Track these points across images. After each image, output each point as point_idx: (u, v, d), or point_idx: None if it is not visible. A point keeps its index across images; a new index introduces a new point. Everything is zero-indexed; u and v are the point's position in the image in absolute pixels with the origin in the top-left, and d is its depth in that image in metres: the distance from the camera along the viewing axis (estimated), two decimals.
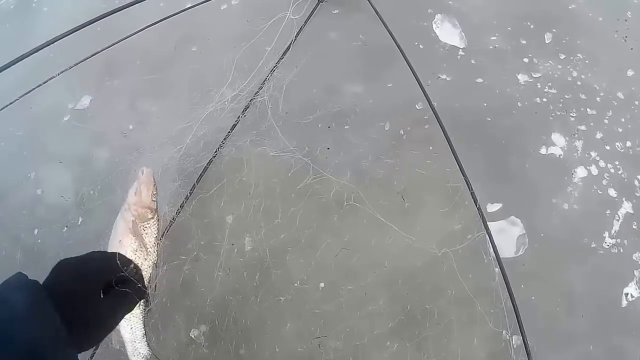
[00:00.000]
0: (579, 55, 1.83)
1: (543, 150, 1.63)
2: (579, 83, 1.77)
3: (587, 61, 1.82)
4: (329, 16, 1.94)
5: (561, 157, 1.63)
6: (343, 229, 1.49)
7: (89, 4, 2.17)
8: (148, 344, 1.04)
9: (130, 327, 0.99)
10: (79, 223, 1.63)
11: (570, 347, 1.38)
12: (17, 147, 1.87)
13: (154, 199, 1.04)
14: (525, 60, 1.82)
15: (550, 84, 1.76)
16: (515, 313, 1.19)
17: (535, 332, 1.25)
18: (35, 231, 1.64)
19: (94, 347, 1.16)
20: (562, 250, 1.49)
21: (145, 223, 1.01)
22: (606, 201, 1.56)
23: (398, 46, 1.57)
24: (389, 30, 1.62)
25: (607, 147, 1.65)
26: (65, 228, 1.63)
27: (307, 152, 1.55)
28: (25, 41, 2.04)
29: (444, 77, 1.78)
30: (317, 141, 1.63)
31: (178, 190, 1.44)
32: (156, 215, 1.04)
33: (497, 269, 1.31)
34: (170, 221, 1.37)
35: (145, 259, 0.98)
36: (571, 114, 1.70)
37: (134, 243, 0.98)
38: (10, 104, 1.72)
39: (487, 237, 1.30)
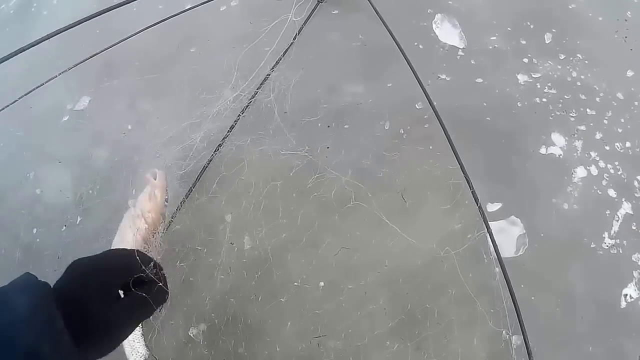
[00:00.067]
0: (578, 55, 1.84)
1: (543, 150, 1.64)
2: (578, 83, 1.77)
3: (586, 61, 1.82)
4: (329, 16, 1.95)
5: (561, 157, 1.63)
6: (344, 228, 1.49)
7: (88, 7, 2.16)
8: (146, 343, 1.04)
9: None
10: (78, 222, 1.63)
11: (570, 347, 1.38)
12: (17, 147, 1.88)
13: (166, 204, 0.99)
14: (525, 60, 1.82)
15: (550, 84, 1.76)
16: (517, 313, 1.18)
17: (535, 332, 1.24)
18: (34, 230, 1.65)
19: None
20: (562, 250, 1.49)
21: (157, 229, 0.94)
22: (606, 201, 1.56)
23: (398, 46, 1.56)
24: (389, 30, 1.62)
25: (607, 148, 1.65)
26: (64, 227, 1.63)
27: (308, 151, 1.55)
28: (24, 45, 2.04)
29: (443, 77, 1.78)
30: (317, 140, 1.64)
31: (178, 190, 1.44)
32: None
33: (498, 269, 1.30)
34: (170, 220, 1.37)
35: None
36: (571, 114, 1.71)
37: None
38: (11, 104, 1.72)
39: (488, 237, 1.30)
